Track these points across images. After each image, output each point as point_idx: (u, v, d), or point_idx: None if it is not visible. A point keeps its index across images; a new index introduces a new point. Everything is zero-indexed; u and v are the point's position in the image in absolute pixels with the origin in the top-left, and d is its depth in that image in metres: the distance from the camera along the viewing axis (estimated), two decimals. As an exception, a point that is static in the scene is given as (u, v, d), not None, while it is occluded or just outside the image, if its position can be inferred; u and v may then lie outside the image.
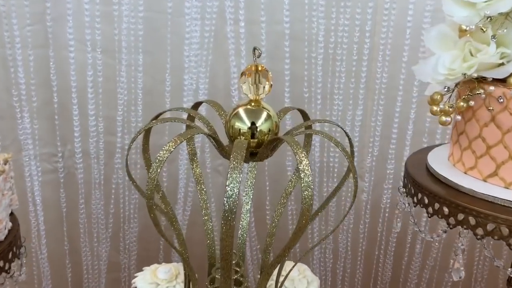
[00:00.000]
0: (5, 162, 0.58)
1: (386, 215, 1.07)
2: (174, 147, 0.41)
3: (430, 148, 0.69)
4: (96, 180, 1.03)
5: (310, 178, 0.38)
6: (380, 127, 1.02)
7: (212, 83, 0.98)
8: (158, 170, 0.40)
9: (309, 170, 0.39)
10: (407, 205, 0.62)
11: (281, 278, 0.56)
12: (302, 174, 0.38)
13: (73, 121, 0.98)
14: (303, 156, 0.39)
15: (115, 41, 0.94)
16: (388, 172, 1.04)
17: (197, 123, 0.56)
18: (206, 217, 0.57)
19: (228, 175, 0.37)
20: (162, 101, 0.98)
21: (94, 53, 0.94)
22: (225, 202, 0.37)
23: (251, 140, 0.47)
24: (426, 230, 0.64)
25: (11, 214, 0.60)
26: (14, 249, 0.55)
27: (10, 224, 0.57)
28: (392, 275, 1.14)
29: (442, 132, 1.01)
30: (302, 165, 0.39)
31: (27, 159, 0.99)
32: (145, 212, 1.06)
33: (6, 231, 0.55)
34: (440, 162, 0.62)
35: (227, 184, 0.37)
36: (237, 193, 0.37)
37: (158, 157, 0.40)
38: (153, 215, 0.40)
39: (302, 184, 0.38)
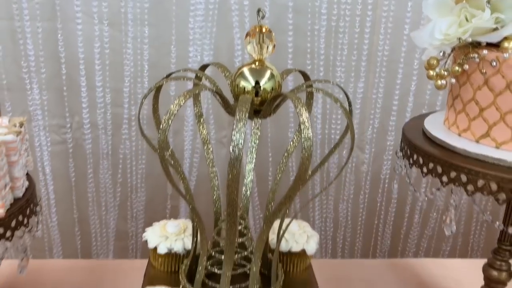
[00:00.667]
0: (21, 125, 0.61)
1: (386, 186, 1.10)
2: (184, 101, 0.43)
3: (427, 114, 0.72)
4: (104, 151, 1.06)
5: (310, 131, 0.41)
6: (381, 99, 1.05)
7: (216, 55, 1.01)
8: (170, 122, 0.42)
9: (309, 123, 0.41)
10: (403, 167, 0.65)
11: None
12: (302, 126, 0.41)
13: (81, 93, 1.01)
14: (304, 110, 0.42)
15: (121, 14, 0.96)
16: (388, 143, 1.07)
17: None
18: (212, 174, 0.60)
19: (234, 126, 0.40)
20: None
21: (101, 25, 0.96)
22: (231, 150, 0.40)
23: (255, 98, 0.50)
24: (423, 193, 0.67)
25: (27, 174, 0.63)
26: (31, 206, 0.58)
27: (27, 182, 0.60)
28: (391, 244, 1.17)
29: (441, 104, 1.03)
30: (302, 117, 0.41)
31: (36, 130, 1.02)
32: (151, 181, 1.11)
33: (24, 189, 0.58)
34: (436, 127, 0.65)
35: (233, 134, 0.40)
36: (242, 142, 0.40)
37: (169, 111, 0.43)
38: (165, 165, 0.43)
39: (303, 136, 0.41)
